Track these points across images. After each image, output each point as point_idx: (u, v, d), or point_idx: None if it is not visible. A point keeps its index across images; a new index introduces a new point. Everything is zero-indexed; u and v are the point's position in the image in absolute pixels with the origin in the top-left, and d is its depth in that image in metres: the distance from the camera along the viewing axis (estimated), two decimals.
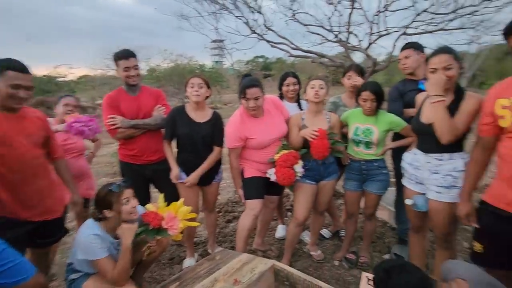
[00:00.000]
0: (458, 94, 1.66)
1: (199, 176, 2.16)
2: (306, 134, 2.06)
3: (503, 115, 1.34)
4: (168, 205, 1.79)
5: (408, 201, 1.86)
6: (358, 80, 2.37)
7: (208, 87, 2.17)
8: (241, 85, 2.09)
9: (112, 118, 2.15)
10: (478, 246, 1.50)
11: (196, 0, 6.99)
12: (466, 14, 5.86)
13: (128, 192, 1.64)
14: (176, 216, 1.76)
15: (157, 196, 1.88)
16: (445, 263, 1.36)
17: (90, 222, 1.65)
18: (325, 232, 2.87)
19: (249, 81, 2.07)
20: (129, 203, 1.62)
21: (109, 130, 2.19)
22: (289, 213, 3.34)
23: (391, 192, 2.67)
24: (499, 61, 21.90)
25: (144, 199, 2.24)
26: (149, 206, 1.78)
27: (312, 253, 2.53)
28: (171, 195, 1.98)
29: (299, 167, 2.03)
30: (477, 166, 1.55)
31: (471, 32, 6.94)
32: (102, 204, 1.61)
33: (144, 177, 2.32)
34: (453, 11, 5.77)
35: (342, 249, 2.51)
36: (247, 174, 2.19)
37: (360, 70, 2.44)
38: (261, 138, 2.10)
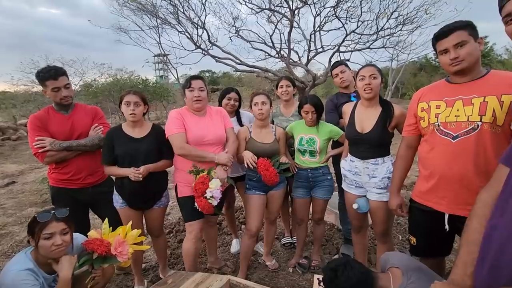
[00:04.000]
0: (385, 104, 1.91)
1: (148, 170, 1.95)
2: (246, 158, 2.11)
3: (423, 117, 1.55)
4: (112, 230, 1.65)
5: (354, 205, 2.02)
6: (289, 90, 2.57)
7: (145, 103, 2.05)
8: (185, 80, 2.10)
9: (40, 140, 1.92)
10: (413, 240, 1.69)
11: (135, 13, 6.76)
12: (386, 36, 6.77)
13: (56, 227, 1.44)
14: (125, 240, 1.63)
15: (95, 222, 1.72)
16: (382, 256, 1.52)
17: (21, 255, 1.44)
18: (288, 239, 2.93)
19: (195, 75, 2.11)
20: (51, 239, 1.42)
21: (36, 154, 1.94)
22: (243, 226, 3.34)
23: (336, 196, 2.89)
24: (415, 75, 25.69)
25: (83, 226, 2.04)
26: (92, 233, 1.62)
27: (267, 263, 2.56)
28: (114, 220, 1.83)
29: (209, 192, 1.88)
30: (403, 162, 1.76)
31: (390, 51, 8.01)
32: (28, 229, 1.43)
33: (81, 202, 2.11)
34: (375, 33, 6.62)
35: (295, 256, 2.59)
36: (181, 194, 2.09)
37: (290, 79, 2.64)
38: (196, 132, 2.02)
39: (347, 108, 2.08)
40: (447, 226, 1.47)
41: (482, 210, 0.90)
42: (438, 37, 1.41)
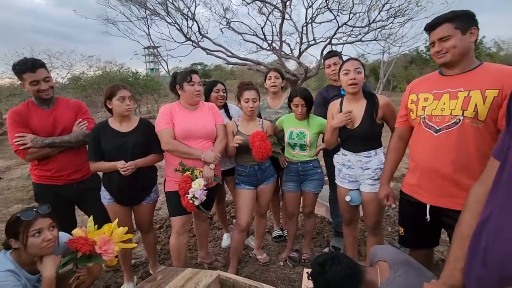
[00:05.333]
0: (369, 97, 1.91)
1: (137, 165, 1.94)
2: (236, 141, 2.09)
3: (412, 109, 1.56)
4: (99, 228, 1.61)
5: (346, 198, 2.03)
6: (277, 81, 2.55)
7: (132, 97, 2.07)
8: (183, 72, 2.08)
9: (21, 136, 1.84)
10: (401, 230, 1.73)
11: (122, 3, 6.56)
12: (377, 28, 6.76)
13: (43, 222, 1.41)
14: (111, 239, 1.59)
15: (83, 219, 1.67)
16: (371, 249, 1.53)
17: (0, 256, 1.39)
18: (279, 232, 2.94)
19: (193, 69, 2.09)
20: (41, 235, 1.39)
21: (16, 151, 1.87)
22: (234, 220, 3.33)
23: (326, 189, 2.90)
24: (406, 68, 25.90)
25: (69, 224, 1.98)
26: (77, 231, 1.58)
27: (258, 257, 2.57)
28: (100, 217, 1.79)
29: (191, 193, 1.88)
30: (394, 153, 1.77)
31: (382, 44, 8.02)
32: (8, 232, 1.38)
33: (66, 199, 2.05)
34: (367, 25, 6.60)
35: (286, 249, 2.60)
36: (168, 188, 2.07)
37: (278, 71, 2.61)
38: (183, 126, 2.00)
39: (333, 107, 2.06)
40: (428, 217, 1.50)
41: (474, 204, 0.90)
42: (427, 29, 1.42)
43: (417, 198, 1.55)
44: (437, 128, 1.42)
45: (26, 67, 1.83)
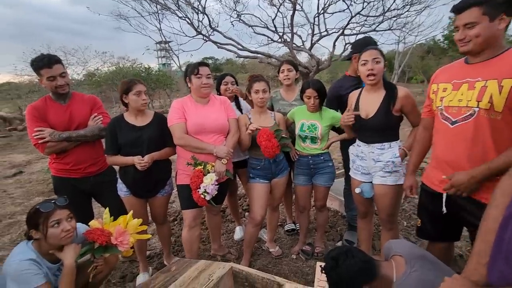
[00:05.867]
0: (389, 87, 1.84)
1: (153, 159, 1.97)
2: (250, 127, 2.08)
3: (433, 99, 1.51)
4: (114, 219, 1.65)
5: (356, 190, 2.00)
6: (291, 74, 2.50)
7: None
8: (191, 65, 2.07)
9: (39, 131, 1.90)
10: (418, 222, 1.69)
11: None
12: (392, 17, 6.53)
13: (61, 213, 1.45)
14: (126, 230, 1.63)
15: (100, 211, 1.72)
16: (386, 244, 1.49)
17: (22, 245, 1.46)
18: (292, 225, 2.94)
19: (202, 62, 2.09)
20: (60, 226, 1.43)
21: (36, 144, 1.93)
22: (246, 213, 3.35)
23: (340, 182, 2.86)
24: (422, 58, 25.01)
25: (86, 215, 2.04)
26: (93, 223, 1.62)
27: (270, 249, 2.58)
28: (116, 209, 1.83)
29: (202, 187, 1.88)
30: (419, 144, 1.72)
31: (397, 33, 7.76)
32: (29, 223, 1.43)
33: (83, 191, 2.11)
34: (382, 14, 6.39)
35: (298, 242, 2.60)
36: (179, 181, 2.08)
37: (292, 63, 2.56)
38: (195, 120, 2.00)
39: (353, 97, 2.01)
40: (444, 209, 1.46)
41: (501, 198, 0.86)
42: (453, 11, 1.32)
43: (435, 188, 1.51)
44: (453, 120, 1.37)
45: (43, 63, 1.88)
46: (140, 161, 1.90)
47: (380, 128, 1.85)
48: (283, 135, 2.15)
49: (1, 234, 3.26)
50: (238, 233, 2.89)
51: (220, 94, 2.59)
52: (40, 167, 6.16)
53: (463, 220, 1.45)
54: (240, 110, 2.55)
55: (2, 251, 2.87)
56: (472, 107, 1.29)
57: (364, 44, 2.16)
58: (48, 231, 1.41)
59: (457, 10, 1.29)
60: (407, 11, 6.50)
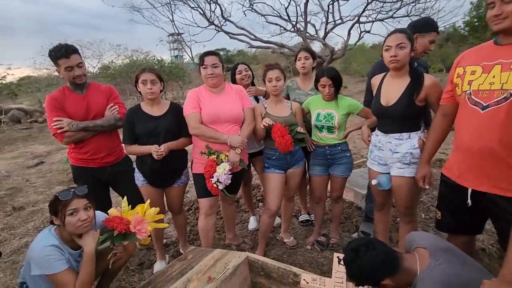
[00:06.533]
0: (415, 75, 1.74)
1: (169, 148, 1.97)
2: (263, 122, 2.05)
3: (457, 83, 1.41)
4: (132, 208, 1.68)
5: (373, 182, 1.94)
6: (307, 62, 2.42)
7: (161, 80, 2.05)
8: (199, 56, 2.07)
9: (58, 121, 1.93)
10: (438, 214, 1.62)
11: None
12: (411, 2, 6.25)
13: (79, 202, 1.47)
14: (144, 219, 1.65)
15: (118, 200, 1.74)
16: (407, 236, 1.45)
17: (45, 232, 1.50)
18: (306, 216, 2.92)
19: (208, 51, 2.06)
20: (77, 215, 1.46)
21: (55, 134, 1.96)
22: (260, 204, 3.35)
23: (355, 173, 2.79)
24: (441, 46, 23.97)
25: (104, 204, 2.10)
26: (112, 211, 1.65)
27: (285, 240, 2.57)
28: (133, 198, 1.85)
29: (215, 177, 1.88)
30: (436, 133, 1.64)
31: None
32: (51, 210, 1.48)
33: (101, 181, 2.15)
34: None
35: (313, 233, 2.58)
36: (195, 170, 2.09)
37: (309, 51, 2.48)
38: (210, 110, 2.00)
39: (375, 81, 1.94)
40: (469, 201, 1.39)
41: None
42: None
43: (459, 182, 1.43)
44: (484, 105, 1.27)
45: (61, 53, 1.90)
46: (157, 150, 1.91)
47: (400, 118, 1.77)
48: (298, 130, 2.11)
49: (26, 221, 3.40)
50: (253, 223, 2.90)
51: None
52: (60, 157, 6.37)
53: (489, 212, 1.38)
54: (257, 100, 2.53)
55: (26, 237, 2.99)
56: (509, 89, 1.19)
57: (426, 25, 2.09)
58: (65, 219, 1.44)
59: None
60: None
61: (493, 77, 1.25)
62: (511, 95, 1.19)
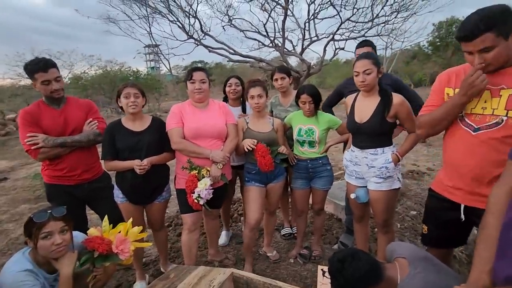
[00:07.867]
0: (384, 94, 1.87)
1: (152, 162, 1.94)
2: (245, 143, 2.10)
3: None
4: (113, 227, 1.61)
5: (352, 195, 2.02)
6: (284, 82, 2.51)
7: (143, 95, 2.03)
8: (188, 70, 2.09)
9: (32, 136, 1.84)
10: (425, 229, 1.67)
11: (124, 2, 6.55)
12: (380, 23, 6.71)
13: (55, 225, 1.38)
14: (127, 238, 1.59)
15: (92, 217, 1.67)
16: (388, 246, 1.52)
17: (19, 255, 1.40)
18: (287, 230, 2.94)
19: (196, 67, 2.11)
20: (51, 238, 1.36)
21: (28, 150, 1.86)
22: (242, 218, 3.33)
23: (335, 185, 2.88)
24: (407, 63, 25.75)
25: (80, 223, 1.98)
26: (92, 231, 1.57)
27: (268, 254, 2.57)
28: (113, 216, 1.78)
29: (196, 192, 1.89)
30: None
31: (385, 39, 7.96)
32: (25, 231, 1.39)
33: (77, 198, 2.05)
34: (370, 20, 6.55)
35: (295, 246, 2.60)
36: (178, 185, 2.08)
37: (284, 71, 2.56)
38: (192, 125, 2.01)
39: (349, 100, 2.06)
40: (462, 216, 1.43)
41: (496, 206, 0.88)
42: (460, 39, 1.24)
43: (450, 198, 1.47)
44: (476, 127, 1.31)
45: (38, 66, 1.83)
46: (140, 164, 1.87)
47: (373, 133, 1.89)
48: (280, 151, 2.17)
49: None
50: (223, 237, 2.86)
51: (226, 97, 2.64)
52: (25, 173, 5.96)
53: (476, 224, 1.40)
54: (245, 112, 2.59)
55: None
56: (500, 115, 1.25)
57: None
58: (38, 242, 1.35)
59: (467, 38, 1.21)
60: (394, 17, 6.70)
61: (485, 102, 1.29)
62: (502, 121, 1.24)
